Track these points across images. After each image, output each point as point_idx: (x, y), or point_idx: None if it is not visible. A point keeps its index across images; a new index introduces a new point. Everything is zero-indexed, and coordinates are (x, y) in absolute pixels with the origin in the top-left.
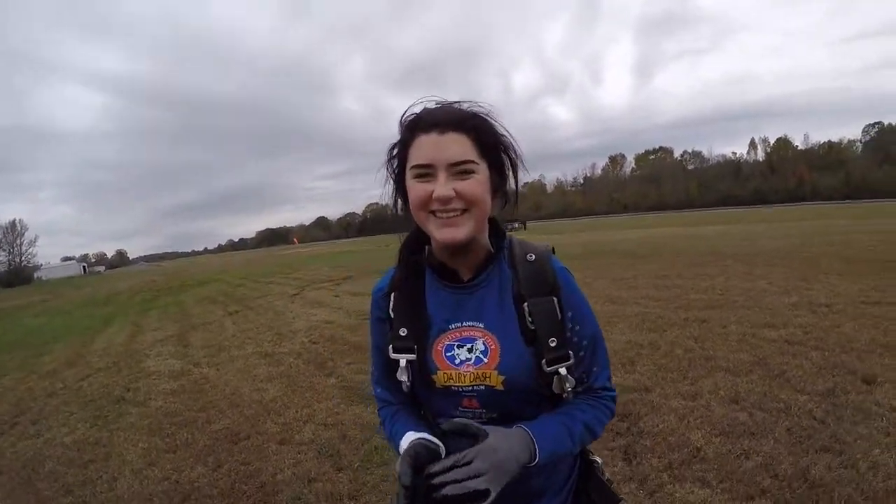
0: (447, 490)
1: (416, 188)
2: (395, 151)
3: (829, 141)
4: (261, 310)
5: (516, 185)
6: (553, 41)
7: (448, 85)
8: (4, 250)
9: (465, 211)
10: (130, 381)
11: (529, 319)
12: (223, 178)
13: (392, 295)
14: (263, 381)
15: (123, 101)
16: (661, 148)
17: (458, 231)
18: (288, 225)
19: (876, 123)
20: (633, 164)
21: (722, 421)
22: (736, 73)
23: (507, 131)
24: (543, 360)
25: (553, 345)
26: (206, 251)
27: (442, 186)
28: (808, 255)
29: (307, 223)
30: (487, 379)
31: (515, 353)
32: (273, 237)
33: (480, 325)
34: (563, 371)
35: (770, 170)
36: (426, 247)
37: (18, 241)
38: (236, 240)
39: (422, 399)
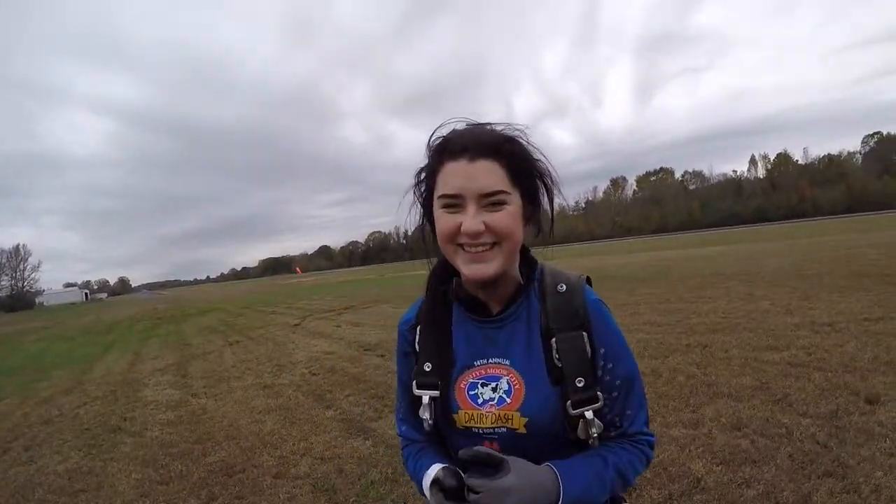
0: None
1: (443, 220)
2: (422, 176)
3: (829, 154)
4: (261, 340)
5: (552, 213)
6: (552, 64)
7: (450, 110)
8: (7, 275)
9: (494, 245)
10: (127, 410)
11: (556, 356)
12: (226, 206)
13: (418, 328)
14: (261, 413)
15: (129, 129)
16: (661, 169)
17: (488, 267)
18: (291, 253)
19: (875, 133)
20: (634, 186)
21: (723, 449)
22: (734, 89)
23: (543, 155)
24: (569, 402)
25: (580, 385)
26: (208, 279)
27: (471, 219)
28: (811, 272)
29: (310, 252)
30: (510, 421)
31: (540, 393)
32: (276, 266)
33: (506, 362)
34: (589, 415)
35: (771, 187)
36: (454, 279)
37: (21, 267)
38: (239, 268)
39: (444, 438)
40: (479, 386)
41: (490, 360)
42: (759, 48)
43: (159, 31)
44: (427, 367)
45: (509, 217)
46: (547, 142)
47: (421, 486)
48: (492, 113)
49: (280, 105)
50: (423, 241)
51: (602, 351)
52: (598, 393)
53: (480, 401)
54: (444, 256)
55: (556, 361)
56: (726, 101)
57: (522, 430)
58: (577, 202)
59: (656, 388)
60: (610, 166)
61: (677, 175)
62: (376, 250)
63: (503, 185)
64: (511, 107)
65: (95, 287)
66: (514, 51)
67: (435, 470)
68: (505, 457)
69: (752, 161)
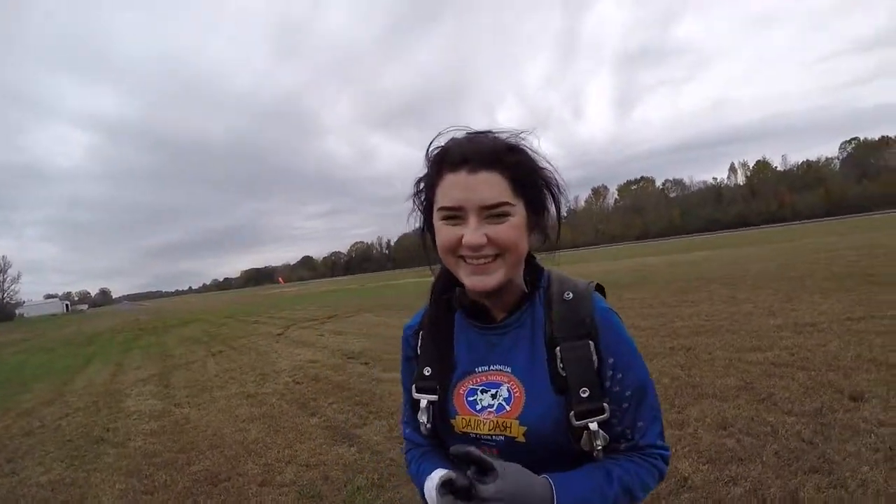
0: None
1: (444, 232)
2: (421, 186)
3: (808, 160)
4: (244, 350)
5: (559, 221)
6: (535, 77)
7: (433, 123)
8: None
9: (497, 257)
10: (110, 420)
11: (560, 365)
12: (209, 218)
13: (421, 334)
14: (245, 422)
15: (112, 141)
16: (642, 178)
17: (490, 279)
18: (273, 264)
19: (853, 139)
20: (615, 195)
21: (709, 448)
22: (713, 99)
23: (549, 162)
24: (572, 413)
25: (584, 395)
26: (190, 290)
27: (472, 232)
28: (792, 275)
29: (293, 262)
30: (508, 429)
31: (541, 402)
32: (258, 277)
33: (508, 369)
34: (593, 426)
35: (751, 193)
36: (457, 288)
37: (1, 278)
38: (221, 279)
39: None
40: (478, 392)
41: (492, 367)
42: (737, 59)
43: (147, 44)
44: (427, 371)
45: (512, 229)
46: None
47: (422, 488)
48: (475, 124)
49: (265, 118)
50: (423, 249)
51: (611, 361)
52: (605, 404)
53: (479, 407)
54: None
55: (560, 371)
56: (706, 112)
57: (521, 440)
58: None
59: None
60: (591, 175)
61: (658, 183)
62: (358, 260)
63: (506, 196)
64: (495, 119)
65: (76, 298)
66: (497, 65)
67: (438, 474)
68: (497, 462)
69: (732, 168)
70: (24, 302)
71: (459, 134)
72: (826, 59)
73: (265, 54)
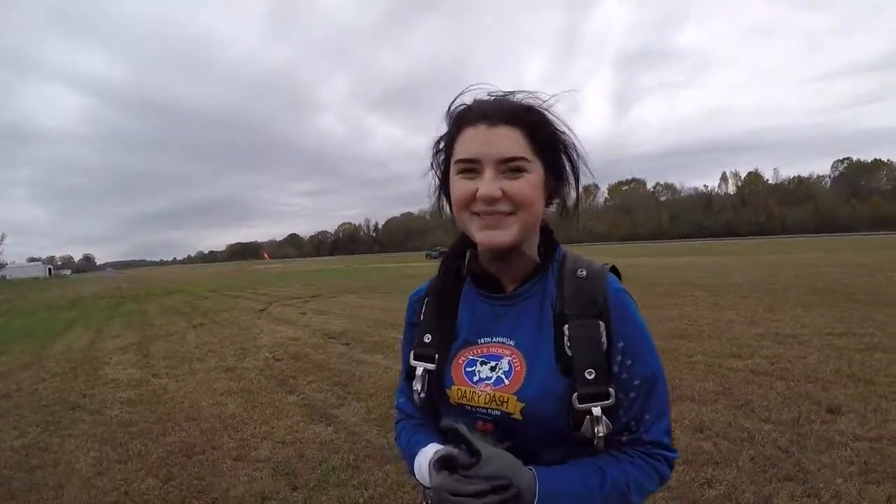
0: None
1: (459, 185)
2: (441, 146)
3: (799, 176)
4: (226, 324)
5: (577, 191)
6: (533, 72)
7: (429, 108)
8: None
9: (511, 214)
10: (87, 387)
11: (568, 344)
12: (197, 189)
13: (426, 300)
14: (223, 396)
15: (102, 104)
16: (634, 179)
17: (502, 234)
18: (259, 240)
19: (845, 159)
20: (606, 195)
21: (686, 450)
22: (710, 107)
23: (569, 128)
24: (575, 395)
25: (590, 378)
26: (174, 262)
27: (487, 184)
28: (777, 287)
29: (279, 239)
30: (505, 404)
31: (543, 380)
32: (244, 251)
33: (511, 342)
34: (596, 411)
35: (741, 203)
36: (469, 252)
37: None
38: (206, 252)
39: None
40: (477, 363)
41: (494, 339)
42: (737, 70)
43: (140, 6)
44: (427, 338)
45: (528, 185)
46: None
47: (412, 461)
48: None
49: (259, 90)
50: (438, 212)
51: (621, 345)
52: (610, 390)
53: (476, 378)
54: (461, 236)
55: (566, 350)
56: (701, 118)
57: (518, 416)
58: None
59: None
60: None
61: (649, 186)
62: (345, 241)
63: (524, 151)
64: None
65: (59, 263)
66: (496, 56)
67: (433, 449)
68: (483, 445)
69: (724, 177)
70: (6, 264)
71: (481, 95)
72: (824, 77)
73: (261, 24)
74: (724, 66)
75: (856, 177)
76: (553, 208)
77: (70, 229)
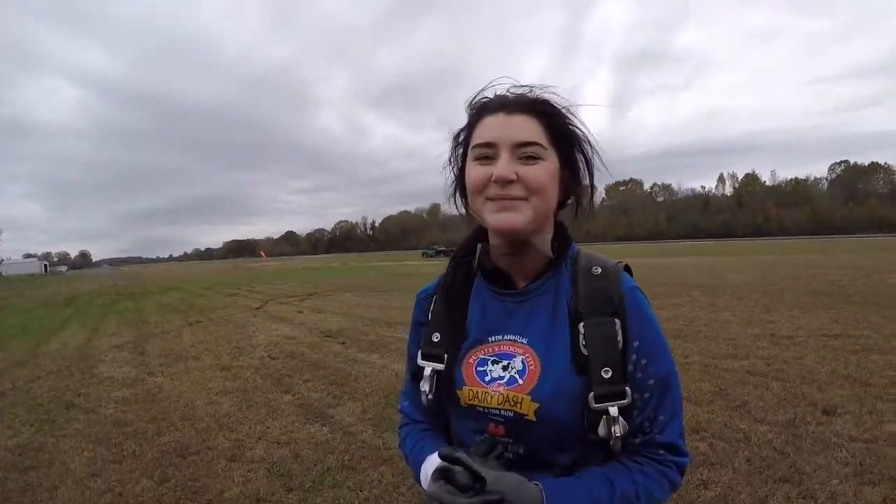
0: None
1: (474, 170)
2: (460, 139)
3: (796, 178)
4: (221, 321)
5: (592, 187)
6: (532, 70)
7: (428, 107)
8: None
9: (525, 199)
10: (82, 386)
11: (583, 343)
12: (194, 185)
13: (434, 298)
14: (218, 395)
15: (100, 99)
16: (631, 179)
17: (515, 217)
18: (256, 237)
19: (842, 162)
20: (603, 194)
21: None
22: (708, 109)
23: (585, 126)
24: (591, 395)
25: (607, 377)
26: (171, 258)
27: (503, 165)
28: (773, 288)
29: (276, 236)
30: (518, 405)
31: (558, 379)
32: (240, 248)
33: (524, 340)
34: (613, 411)
35: (738, 205)
36: (480, 245)
37: None
38: (203, 249)
39: (447, 416)
40: (489, 363)
41: (506, 337)
42: (735, 72)
43: (140, 1)
44: (435, 337)
45: (544, 172)
46: None
47: (417, 468)
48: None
49: (257, 87)
50: (454, 203)
51: (636, 344)
52: (627, 389)
53: (488, 378)
54: (472, 233)
55: (582, 348)
56: (699, 120)
57: (532, 417)
58: None
59: None
60: None
61: (646, 186)
62: (342, 239)
63: (539, 138)
64: None
65: (56, 259)
66: (495, 55)
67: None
68: (486, 472)
69: (721, 179)
70: (2, 260)
71: (501, 90)
72: (823, 80)
73: (260, 20)
74: (724, 69)
75: (853, 180)
76: (568, 207)
77: (66, 225)
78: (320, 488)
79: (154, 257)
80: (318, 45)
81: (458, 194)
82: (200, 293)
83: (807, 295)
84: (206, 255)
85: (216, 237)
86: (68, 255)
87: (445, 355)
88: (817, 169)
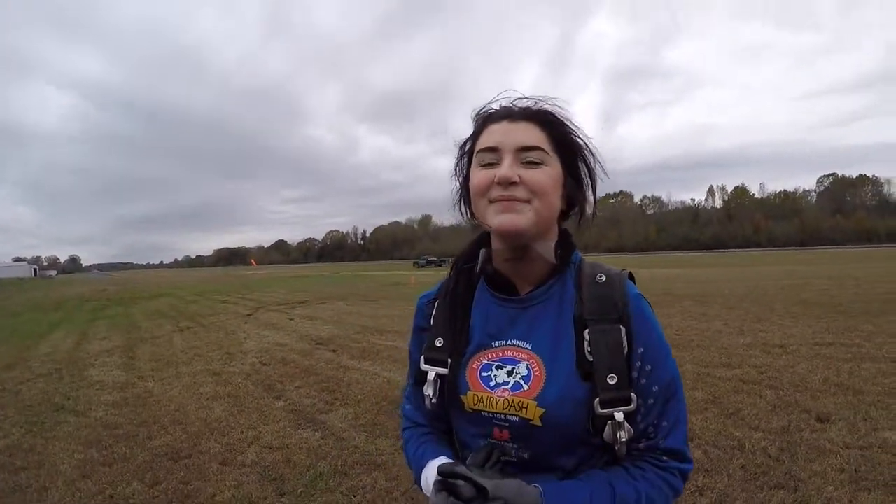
0: None
1: (478, 175)
2: (466, 147)
3: (785, 190)
4: (212, 328)
5: (594, 195)
6: (523, 84)
7: (420, 120)
8: None
9: (527, 201)
10: (72, 389)
11: (588, 349)
12: (185, 193)
13: (437, 303)
14: (209, 400)
15: (92, 105)
16: (621, 192)
17: (518, 218)
18: (247, 245)
19: (830, 175)
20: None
21: None
22: (698, 123)
23: (585, 134)
24: (597, 400)
25: (612, 382)
26: (161, 265)
27: (506, 168)
28: (764, 298)
29: (266, 245)
30: (524, 410)
31: (564, 385)
32: (231, 256)
33: (528, 346)
34: (619, 416)
35: (728, 217)
36: (483, 251)
37: None
38: (193, 256)
39: (451, 421)
40: (493, 368)
41: (510, 342)
42: (725, 87)
43: (135, 9)
44: (438, 342)
45: (546, 175)
46: None
47: (418, 473)
48: (462, 128)
49: (248, 97)
50: (461, 215)
51: (640, 351)
52: (632, 395)
53: (493, 384)
54: (475, 239)
55: (587, 355)
56: (689, 134)
57: (537, 423)
58: None
59: None
60: None
61: (636, 199)
62: (332, 248)
63: (542, 143)
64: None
65: (45, 263)
66: (487, 68)
67: (440, 464)
68: (487, 483)
69: (711, 191)
70: None
71: (506, 102)
72: (811, 95)
73: (254, 34)
74: (713, 84)
75: (841, 192)
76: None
77: (56, 229)
78: (313, 493)
79: (144, 263)
80: (310, 57)
81: (462, 202)
82: (191, 300)
83: (797, 305)
84: (197, 262)
85: (207, 245)
86: (58, 259)
87: (449, 360)
88: (806, 181)
